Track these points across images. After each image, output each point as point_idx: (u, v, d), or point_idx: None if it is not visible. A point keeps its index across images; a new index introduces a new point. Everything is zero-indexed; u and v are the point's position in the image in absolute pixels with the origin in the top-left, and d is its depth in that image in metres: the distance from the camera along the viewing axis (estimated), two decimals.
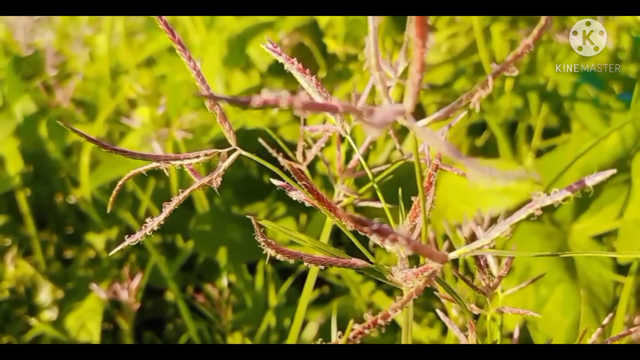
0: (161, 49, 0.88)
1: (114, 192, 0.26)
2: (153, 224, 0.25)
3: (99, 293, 0.56)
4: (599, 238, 0.58)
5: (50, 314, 0.65)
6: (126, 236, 0.24)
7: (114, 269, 0.65)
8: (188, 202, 0.61)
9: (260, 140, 0.37)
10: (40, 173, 0.79)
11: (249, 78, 0.83)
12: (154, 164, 0.25)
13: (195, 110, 0.62)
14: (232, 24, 0.69)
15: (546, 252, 0.55)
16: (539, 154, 0.68)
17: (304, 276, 0.47)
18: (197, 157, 0.26)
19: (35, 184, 0.78)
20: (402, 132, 0.70)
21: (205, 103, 0.27)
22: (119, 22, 0.96)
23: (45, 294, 0.66)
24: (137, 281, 0.54)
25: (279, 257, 0.25)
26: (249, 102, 0.17)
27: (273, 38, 0.70)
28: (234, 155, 0.26)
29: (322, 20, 0.66)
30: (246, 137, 0.67)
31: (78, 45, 1.16)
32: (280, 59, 0.28)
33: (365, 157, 0.77)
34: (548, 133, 0.73)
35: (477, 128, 0.76)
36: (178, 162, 0.25)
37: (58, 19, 1.34)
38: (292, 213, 0.59)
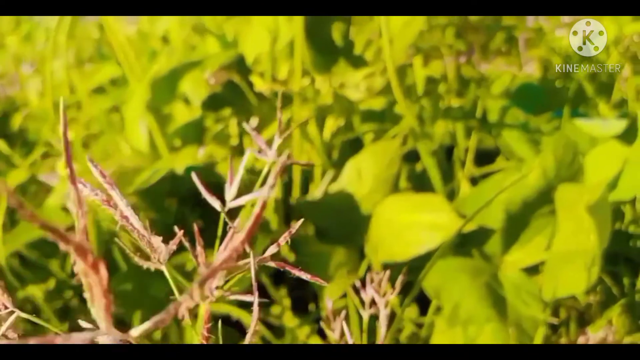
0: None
1: None
2: None
3: None
4: (531, 270, 0.57)
5: None
6: None
7: None
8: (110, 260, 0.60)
9: (195, 179, 0.36)
10: None
11: (190, 110, 0.82)
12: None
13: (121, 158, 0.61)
14: (160, 65, 0.68)
15: (475, 289, 0.54)
16: (475, 181, 0.67)
17: None
18: None
19: None
20: (338, 166, 0.70)
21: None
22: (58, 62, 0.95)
23: None
24: None
25: None
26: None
27: (200, 77, 0.69)
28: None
29: (249, 56, 0.65)
30: (176, 181, 0.66)
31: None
32: None
33: (305, 188, 0.76)
34: (488, 156, 0.73)
35: (417, 154, 0.75)
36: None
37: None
38: None
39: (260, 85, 0.62)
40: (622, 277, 0.66)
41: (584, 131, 0.58)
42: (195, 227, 0.28)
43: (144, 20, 1.17)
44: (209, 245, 0.66)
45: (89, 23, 1.44)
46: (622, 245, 0.69)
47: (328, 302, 0.40)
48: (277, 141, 0.32)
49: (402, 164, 0.75)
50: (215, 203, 0.32)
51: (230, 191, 0.32)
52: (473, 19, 0.66)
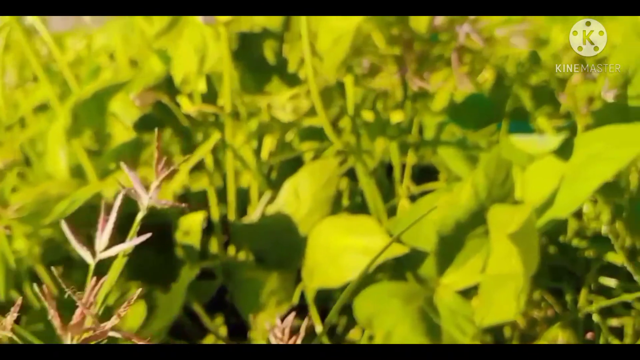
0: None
1: None
2: None
3: None
4: (468, 293, 0.56)
5: None
6: None
7: None
8: None
9: (64, 228, 0.33)
10: None
11: (125, 132, 0.79)
12: None
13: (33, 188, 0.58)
14: (83, 89, 0.65)
15: (408, 316, 0.53)
16: (414, 198, 0.65)
17: None
18: None
19: None
20: (277, 186, 0.68)
21: None
22: None
23: None
24: None
25: None
26: None
27: (125, 98, 0.67)
28: None
29: (177, 76, 0.62)
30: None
31: None
32: None
33: (244, 210, 0.74)
34: (429, 173, 0.71)
35: None
36: None
37: None
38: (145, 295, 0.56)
39: (188, 106, 0.59)
40: (565, 293, 0.64)
41: (519, 148, 0.56)
42: (45, 289, 0.25)
43: (92, 36, 1.14)
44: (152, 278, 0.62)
45: (38, 38, 1.40)
46: (565, 260, 0.68)
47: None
48: (156, 182, 0.30)
49: (345, 182, 0.74)
50: (85, 254, 0.29)
51: (101, 240, 0.29)
52: (411, 32, 0.65)
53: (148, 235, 0.29)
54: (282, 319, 0.35)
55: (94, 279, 0.26)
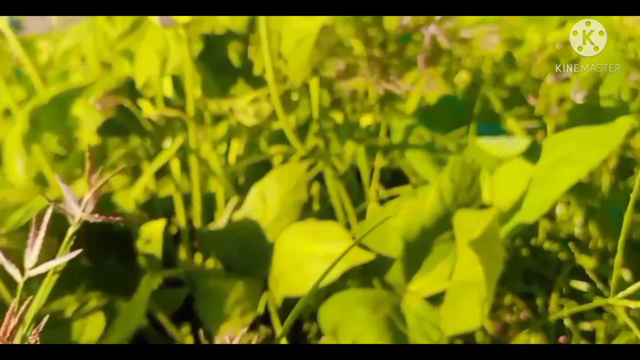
0: None
1: None
2: None
3: None
4: (436, 299, 0.55)
5: None
6: None
7: None
8: None
9: None
10: None
11: (90, 137, 0.77)
12: None
13: None
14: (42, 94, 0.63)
15: (374, 324, 0.51)
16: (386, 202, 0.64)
17: None
18: None
19: None
20: (245, 191, 0.66)
21: None
22: None
23: None
24: None
25: None
26: None
27: (86, 103, 0.65)
28: None
29: (139, 80, 0.60)
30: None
31: None
32: None
33: (211, 216, 0.72)
34: (403, 177, 0.70)
35: None
36: None
37: None
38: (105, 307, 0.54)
39: (150, 110, 0.58)
40: (536, 297, 0.64)
41: (486, 151, 0.55)
42: None
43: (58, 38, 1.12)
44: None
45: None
46: (537, 263, 0.67)
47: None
48: (89, 195, 0.28)
49: (317, 186, 0.72)
50: (13, 272, 0.28)
51: (30, 257, 0.28)
52: (381, 34, 0.64)
53: (79, 250, 0.28)
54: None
55: (15, 300, 0.24)
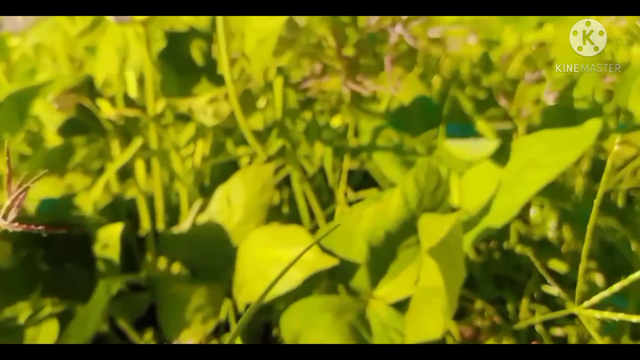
0: None
1: None
2: None
3: None
4: (402, 305, 0.53)
5: None
6: None
7: None
8: None
9: None
10: None
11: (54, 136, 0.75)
12: None
13: None
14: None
15: (338, 331, 0.50)
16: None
17: None
18: None
19: None
20: (210, 193, 0.64)
21: None
22: None
23: None
24: None
25: None
26: None
27: (44, 102, 0.63)
28: None
29: (99, 78, 0.58)
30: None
31: None
32: None
33: (176, 219, 0.70)
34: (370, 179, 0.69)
35: None
36: None
37: None
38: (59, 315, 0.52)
39: (109, 110, 0.56)
40: (507, 302, 0.63)
41: (454, 153, 0.54)
42: None
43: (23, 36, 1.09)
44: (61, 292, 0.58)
45: None
46: (508, 267, 0.66)
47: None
48: (7, 203, 0.27)
49: (285, 189, 0.71)
50: None
51: None
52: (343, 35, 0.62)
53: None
54: None
55: None
